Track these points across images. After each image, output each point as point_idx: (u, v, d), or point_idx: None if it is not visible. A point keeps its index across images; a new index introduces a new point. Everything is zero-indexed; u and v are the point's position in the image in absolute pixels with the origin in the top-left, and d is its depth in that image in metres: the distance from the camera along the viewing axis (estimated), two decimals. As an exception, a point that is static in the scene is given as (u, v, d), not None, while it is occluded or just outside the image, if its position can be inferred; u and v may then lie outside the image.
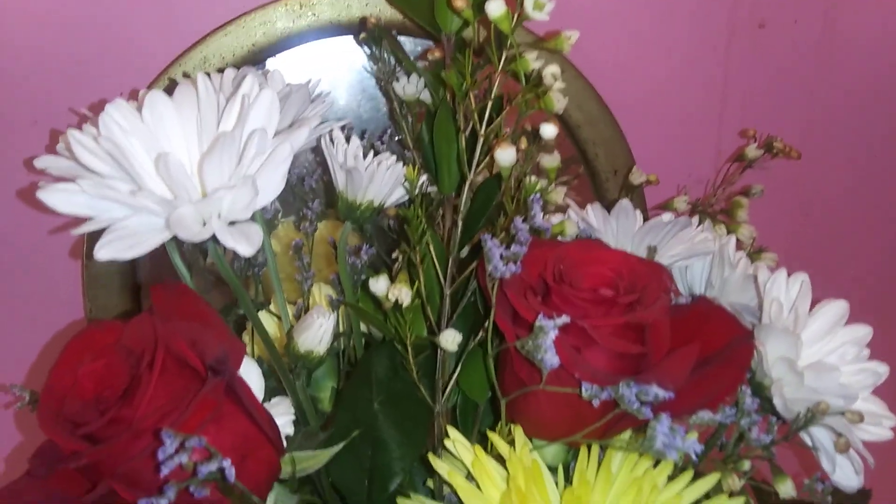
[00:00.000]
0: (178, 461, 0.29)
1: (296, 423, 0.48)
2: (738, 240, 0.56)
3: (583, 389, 0.36)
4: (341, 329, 0.52)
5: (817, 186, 0.76)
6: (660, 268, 0.43)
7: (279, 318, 0.50)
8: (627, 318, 0.39)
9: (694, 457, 0.37)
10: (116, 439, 0.33)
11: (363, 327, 0.53)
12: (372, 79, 0.66)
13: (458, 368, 0.47)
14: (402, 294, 0.39)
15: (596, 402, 0.37)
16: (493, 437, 0.43)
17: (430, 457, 0.44)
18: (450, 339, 0.40)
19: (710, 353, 0.42)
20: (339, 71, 0.65)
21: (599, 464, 0.42)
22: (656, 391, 0.36)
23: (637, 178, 0.62)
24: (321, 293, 0.55)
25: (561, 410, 0.41)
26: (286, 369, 0.46)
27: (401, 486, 0.46)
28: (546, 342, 0.35)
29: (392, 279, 0.42)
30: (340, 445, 0.44)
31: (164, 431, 0.29)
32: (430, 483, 0.49)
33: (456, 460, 0.46)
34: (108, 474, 0.33)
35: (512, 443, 0.43)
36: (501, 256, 0.37)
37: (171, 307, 0.37)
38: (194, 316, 0.37)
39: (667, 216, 0.53)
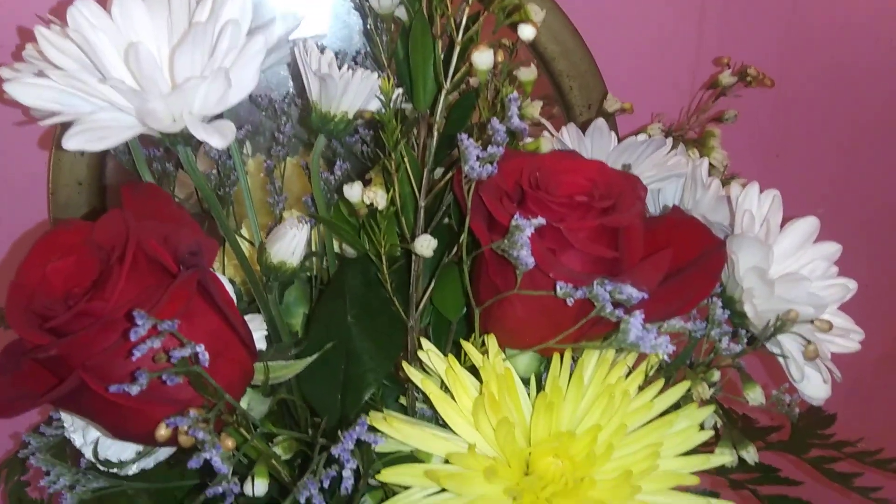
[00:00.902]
0: (150, 345, 0.29)
1: (268, 339, 0.48)
2: (710, 165, 0.57)
3: (557, 288, 0.36)
4: (314, 248, 0.52)
5: (790, 120, 0.76)
6: (634, 178, 0.43)
7: (252, 244, 0.50)
8: (602, 222, 0.39)
9: (665, 357, 0.37)
10: (85, 330, 0.32)
11: (336, 248, 0.53)
12: (344, 5, 0.65)
13: (432, 284, 0.47)
14: (378, 197, 0.39)
15: (570, 301, 0.37)
16: (467, 345, 0.43)
17: (404, 364, 0.44)
18: (425, 245, 0.40)
19: (682, 262, 0.42)
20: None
21: (571, 373, 0.42)
22: (630, 290, 0.36)
23: (611, 105, 0.62)
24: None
25: (535, 317, 0.41)
26: (259, 282, 0.46)
27: (373, 398, 0.46)
28: (522, 239, 0.35)
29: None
30: (315, 356, 0.43)
31: (136, 312, 0.28)
32: (402, 401, 0.49)
33: (430, 374, 0.46)
34: (78, 367, 0.33)
35: (485, 353, 0.43)
36: (478, 158, 0.37)
37: (142, 207, 0.36)
38: (166, 216, 0.36)
39: (641, 136, 0.53)
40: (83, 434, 0.46)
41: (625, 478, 0.40)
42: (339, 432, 0.31)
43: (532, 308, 0.40)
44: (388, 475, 0.40)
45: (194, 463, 0.30)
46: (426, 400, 0.48)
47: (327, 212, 0.49)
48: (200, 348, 0.29)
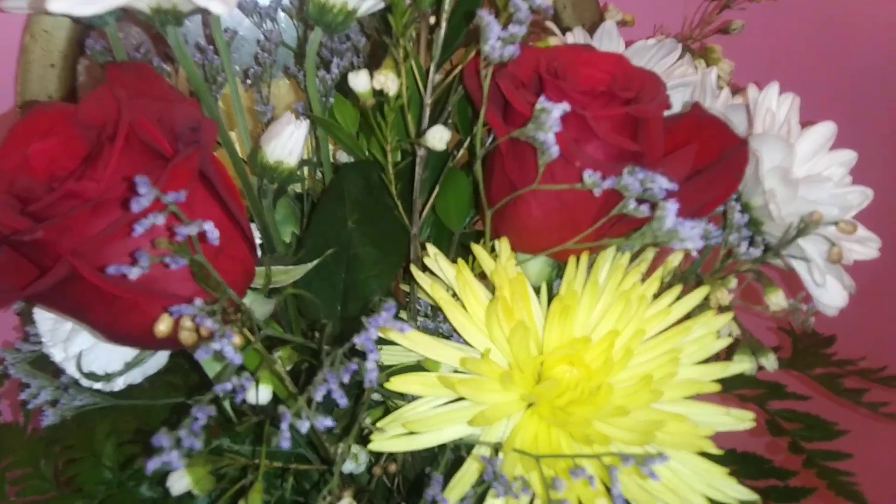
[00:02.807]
0: (152, 221, 0.26)
1: (261, 249, 0.45)
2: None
3: (585, 177, 0.34)
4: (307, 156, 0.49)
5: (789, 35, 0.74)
6: (653, 73, 0.41)
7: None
8: (627, 111, 0.37)
9: (695, 252, 0.35)
10: (74, 213, 0.29)
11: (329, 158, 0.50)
12: None
13: (435, 191, 0.44)
14: (389, 81, 0.36)
15: (598, 191, 0.34)
16: (477, 249, 0.40)
17: (412, 267, 0.41)
18: (437, 136, 0.37)
19: (703, 161, 0.40)
20: None
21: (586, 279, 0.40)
22: (661, 181, 0.34)
23: (613, 16, 0.60)
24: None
25: (552, 216, 0.39)
26: (251, 186, 0.43)
27: (373, 307, 0.44)
28: (550, 120, 0.32)
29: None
30: (316, 261, 0.41)
31: (139, 179, 0.25)
32: (402, 314, 0.46)
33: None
34: (67, 254, 0.30)
35: (495, 259, 0.41)
36: (499, 38, 0.34)
37: (130, 88, 0.33)
38: (159, 96, 0.33)
39: (651, 41, 0.50)
40: (64, 348, 0.43)
41: (644, 383, 0.38)
42: (363, 319, 0.28)
43: (549, 206, 0.38)
44: (397, 384, 0.38)
45: (203, 353, 0.27)
46: (428, 314, 0.46)
47: (322, 113, 0.46)
48: (209, 226, 0.26)
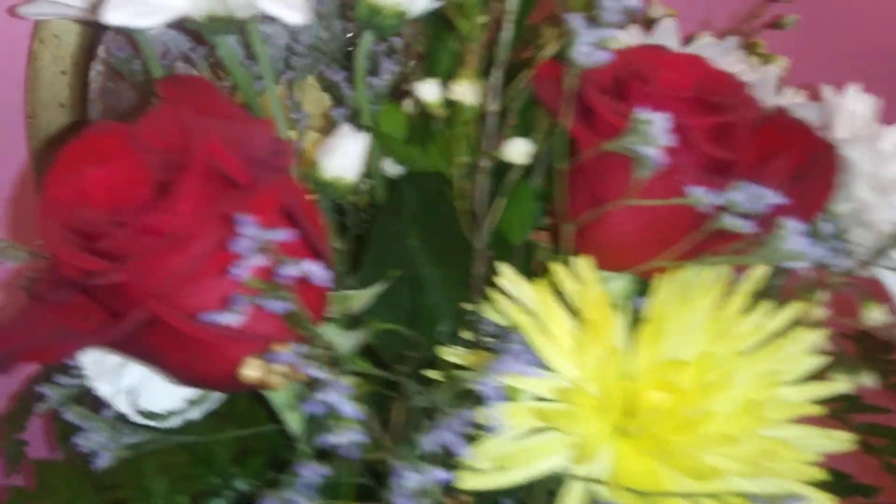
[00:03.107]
0: (252, 261, 0.23)
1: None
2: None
3: (690, 192, 0.32)
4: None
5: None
6: (734, 75, 0.38)
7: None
8: (720, 118, 0.34)
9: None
10: (153, 250, 0.26)
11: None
12: None
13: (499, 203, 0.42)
14: (467, 91, 0.33)
15: (705, 208, 0.32)
16: (557, 268, 0.38)
17: (495, 292, 0.38)
18: (518, 150, 0.34)
19: (791, 169, 0.38)
20: None
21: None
22: (768, 195, 0.31)
23: (656, 11, 0.57)
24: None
25: (643, 232, 0.36)
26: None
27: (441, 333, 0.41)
28: (654, 131, 0.30)
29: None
30: (384, 285, 0.38)
31: (240, 217, 0.22)
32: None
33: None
34: (145, 296, 0.27)
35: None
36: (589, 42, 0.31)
37: (189, 106, 0.30)
38: (222, 115, 0.30)
39: (708, 38, 0.48)
40: (112, 381, 0.40)
41: (749, 407, 0.35)
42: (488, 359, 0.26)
43: (641, 221, 0.35)
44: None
45: (312, 407, 0.24)
46: (496, 334, 0.43)
47: (371, 121, 0.43)
48: (316, 267, 0.23)
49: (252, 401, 0.48)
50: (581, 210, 0.37)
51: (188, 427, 0.39)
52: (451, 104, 0.35)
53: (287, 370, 0.28)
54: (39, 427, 0.52)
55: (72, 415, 0.36)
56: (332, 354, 0.29)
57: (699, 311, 0.38)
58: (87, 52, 0.58)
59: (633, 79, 0.35)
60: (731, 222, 0.33)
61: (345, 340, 0.32)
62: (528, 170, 0.43)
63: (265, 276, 0.27)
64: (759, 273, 0.40)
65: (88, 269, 0.27)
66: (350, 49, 0.57)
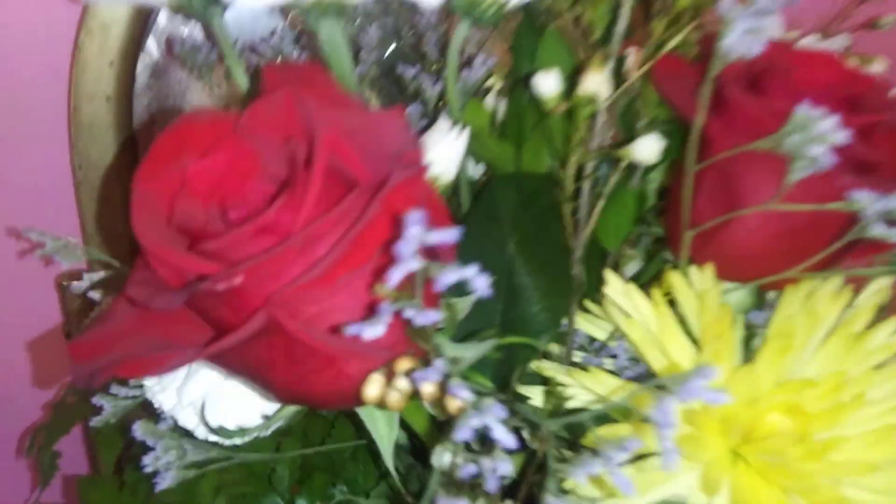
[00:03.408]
0: (412, 265, 0.20)
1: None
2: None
3: (855, 198, 0.28)
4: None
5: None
6: (872, 76, 0.35)
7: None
8: (868, 118, 0.31)
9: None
10: (274, 253, 0.23)
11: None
12: None
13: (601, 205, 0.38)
14: (603, 84, 0.30)
15: (869, 214, 0.29)
16: (676, 279, 0.34)
17: (608, 302, 0.35)
18: (648, 149, 0.31)
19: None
20: None
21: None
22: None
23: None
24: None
25: (776, 241, 0.33)
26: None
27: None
28: (823, 129, 0.26)
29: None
30: (476, 295, 0.35)
31: (411, 213, 0.19)
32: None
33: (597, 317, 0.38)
34: (256, 304, 0.23)
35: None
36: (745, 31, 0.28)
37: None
38: (336, 105, 0.27)
39: (813, 37, 0.45)
40: (177, 393, 0.36)
41: (887, 432, 0.32)
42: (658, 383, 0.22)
43: (776, 228, 0.32)
44: (607, 435, 0.32)
45: (465, 434, 0.21)
46: (587, 347, 0.40)
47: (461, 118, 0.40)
48: (473, 270, 0.20)
49: (311, 416, 0.45)
50: (706, 215, 0.33)
51: (250, 444, 0.36)
52: (567, 97, 0.32)
53: (407, 389, 0.25)
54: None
55: (140, 431, 0.33)
56: (459, 370, 0.26)
57: (826, 325, 0.35)
58: (135, 44, 0.55)
59: (770, 73, 0.32)
60: (881, 230, 0.30)
61: (462, 354, 0.29)
62: (627, 172, 0.40)
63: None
64: (884, 285, 0.37)
65: (198, 272, 0.23)
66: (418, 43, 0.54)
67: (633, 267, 0.45)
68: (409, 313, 0.21)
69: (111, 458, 0.43)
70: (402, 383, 0.24)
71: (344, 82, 0.33)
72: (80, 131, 0.55)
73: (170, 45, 0.49)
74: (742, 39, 0.28)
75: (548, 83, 0.31)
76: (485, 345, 0.28)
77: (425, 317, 0.21)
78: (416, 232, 0.19)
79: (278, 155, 0.25)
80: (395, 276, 0.19)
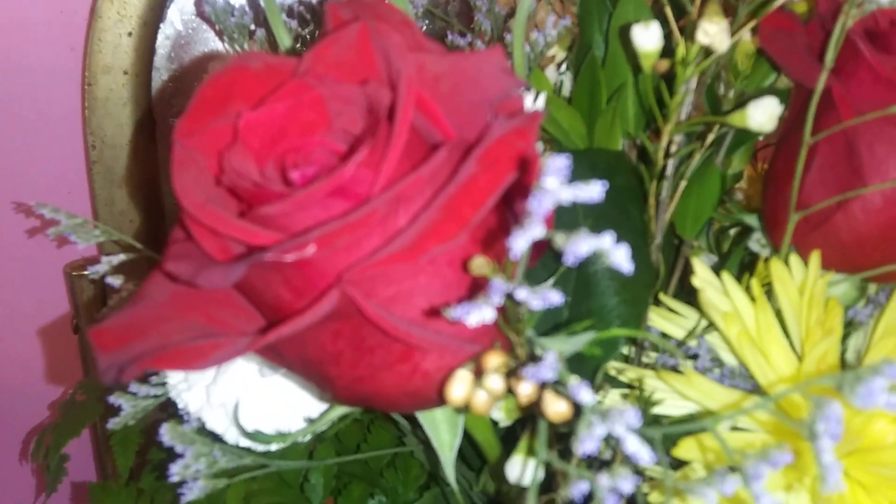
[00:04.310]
0: (536, 232, 0.15)
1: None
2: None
3: None
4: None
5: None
6: None
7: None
8: None
9: None
10: (351, 221, 0.18)
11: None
12: None
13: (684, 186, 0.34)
14: (722, 34, 0.25)
15: None
16: (776, 266, 0.30)
17: (663, 297, 0.31)
18: (768, 112, 0.27)
19: None
20: None
21: None
22: None
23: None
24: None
25: (893, 228, 0.28)
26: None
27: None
28: None
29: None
30: (551, 280, 0.30)
31: (550, 160, 0.15)
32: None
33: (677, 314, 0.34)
34: (326, 281, 0.19)
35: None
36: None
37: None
38: (416, 47, 0.22)
39: None
40: (206, 392, 0.32)
41: None
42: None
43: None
44: (687, 451, 0.28)
45: (592, 446, 0.16)
46: (663, 347, 0.35)
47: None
48: (610, 240, 0.16)
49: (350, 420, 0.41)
50: (814, 197, 0.29)
51: (280, 450, 0.31)
52: (670, 53, 0.27)
53: (500, 388, 0.21)
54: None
55: (169, 435, 0.29)
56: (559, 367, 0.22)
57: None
58: (157, 13, 0.51)
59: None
60: None
61: (563, 347, 0.24)
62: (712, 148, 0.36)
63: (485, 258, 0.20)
64: None
65: (253, 242, 0.19)
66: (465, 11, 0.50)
67: (703, 260, 0.41)
68: (523, 294, 0.17)
69: (127, 463, 0.39)
70: (495, 382, 0.20)
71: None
72: (94, 107, 0.50)
73: (199, 4, 0.44)
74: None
75: (648, 36, 0.27)
76: (581, 338, 0.24)
77: (544, 299, 0.17)
78: (555, 185, 0.14)
79: (352, 104, 0.21)
80: (520, 242, 0.15)
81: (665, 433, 0.23)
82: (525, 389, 0.19)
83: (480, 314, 0.16)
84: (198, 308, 0.22)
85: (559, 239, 0.16)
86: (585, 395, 0.17)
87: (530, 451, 0.26)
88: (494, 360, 0.21)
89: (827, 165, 0.28)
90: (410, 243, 0.19)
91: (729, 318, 0.30)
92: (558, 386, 0.21)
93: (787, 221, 0.30)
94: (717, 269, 0.38)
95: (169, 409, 0.36)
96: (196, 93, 0.22)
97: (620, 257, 0.16)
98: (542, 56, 0.36)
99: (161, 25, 0.51)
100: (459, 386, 0.20)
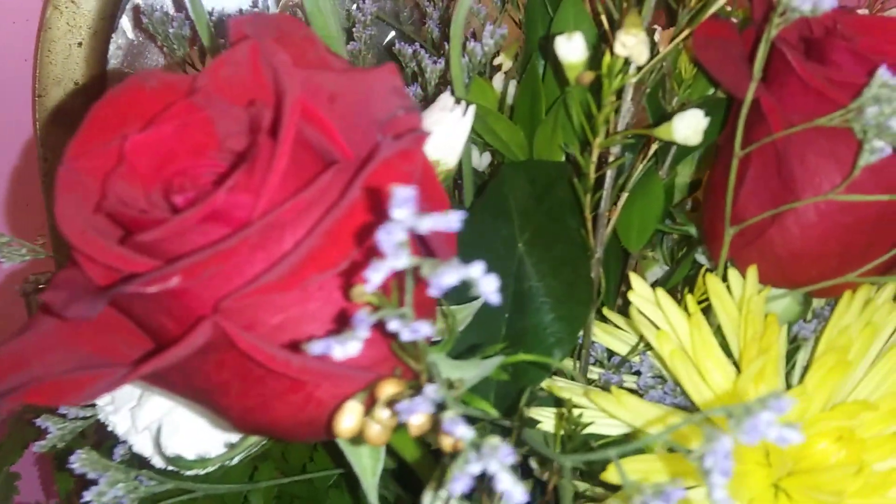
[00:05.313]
0: (398, 261, 0.15)
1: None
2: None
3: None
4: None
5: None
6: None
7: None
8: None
9: None
10: (227, 245, 0.18)
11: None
12: None
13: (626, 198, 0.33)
14: (640, 45, 0.25)
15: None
16: (712, 282, 0.29)
17: (607, 312, 0.30)
18: (692, 126, 0.26)
19: None
20: None
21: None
22: None
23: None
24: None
25: (834, 239, 0.28)
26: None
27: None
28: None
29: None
30: (482, 299, 0.29)
31: (398, 192, 0.14)
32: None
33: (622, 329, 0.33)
34: (201, 311, 0.18)
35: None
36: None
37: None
38: (317, 63, 0.22)
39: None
40: (131, 416, 0.31)
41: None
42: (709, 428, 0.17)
43: (833, 225, 0.27)
44: (628, 469, 0.27)
45: (462, 485, 0.16)
46: (604, 363, 0.35)
47: (466, 94, 0.35)
48: (480, 269, 0.15)
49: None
50: (751, 209, 0.28)
51: (221, 471, 0.31)
52: (597, 65, 0.26)
53: (392, 420, 0.20)
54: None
55: (80, 462, 0.28)
56: (457, 396, 0.21)
57: (883, 338, 0.30)
58: (107, 22, 0.50)
59: (833, 40, 0.27)
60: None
61: (460, 374, 0.24)
62: (654, 162, 0.35)
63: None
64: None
65: (128, 269, 0.18)
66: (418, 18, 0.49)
67: (655, 272, 0.40)
68: (394, 325, 0.16)
69: (67, 485, 0.38)
70: (385, 414, 0.19)
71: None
72: (46, 119, 0.50)
73: (138, 15, 0.44)
74: (808, -4, 0.23)
75: (572, 47, 0.26)
76: (489, 363, 0.23)
77: (415, 330, 0.16)
78: (405, 216, 0.14)
79: (240, 124, 0.20)
80: (376, 275, 0.14)
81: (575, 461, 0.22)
82: (416, 422, 0.18)
83: (344, 349, 0.16)
84: (87, 335, 0.21)
85: (426, 269, 0.15)
86: (461, 430, 0.16)
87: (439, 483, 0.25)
88: (389, 388, 0.20)
89: (760, 178, 0.28)
90: (289, 271, 0.18)
91: (661, 336, 0.29)
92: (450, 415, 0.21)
93: (724, 235, 0.29)
94: (665, 281, 0.37)
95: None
96: (89, 112, 0.21)
97: (488, 288, 0.15)
98: (483, 65, 0.35)
99: (113, 35, 0.50)
100: (347, 418, 0.19)
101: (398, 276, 0.16)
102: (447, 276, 0.15)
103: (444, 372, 0.25)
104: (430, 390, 0.17)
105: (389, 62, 0.20)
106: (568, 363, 0.34)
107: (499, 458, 0.16)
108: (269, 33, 0.22)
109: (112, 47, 0.51)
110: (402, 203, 0.13)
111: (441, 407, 0.21)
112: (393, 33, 0.50)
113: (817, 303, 0.33)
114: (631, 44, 0.24)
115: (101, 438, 0.37)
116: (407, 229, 0.14)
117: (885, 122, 0.22)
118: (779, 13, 0.24)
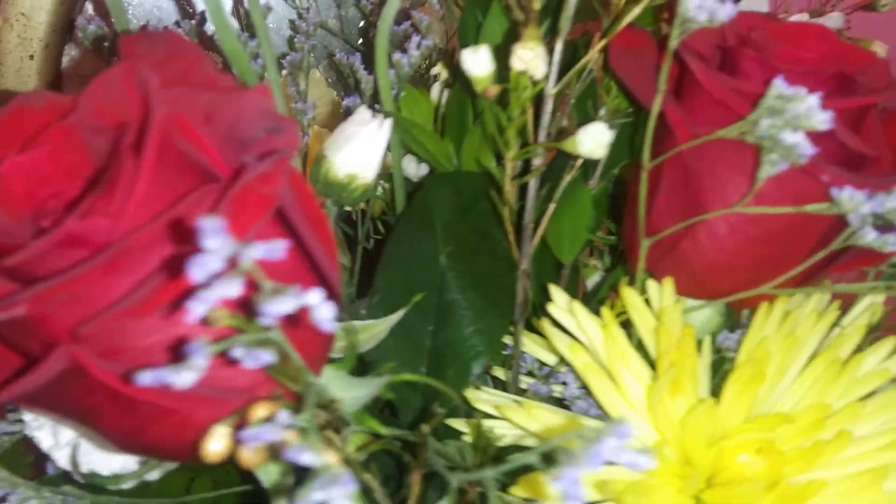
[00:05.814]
0: (222, 290, 0.15)
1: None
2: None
3: (839, 197, 0.23)
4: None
5: None
6: (872, 53, 0.30)
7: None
8: (862, 101, 0.26)
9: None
10: (78, 271, 0.18)
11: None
12: None
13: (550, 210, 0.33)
14: (537, 60, 0.24)
15: (856, 220, 0.23)
16: (630, 295, 0.29)
17: (545, 323, 0.30)
18: (596, 140, 0.26)
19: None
20: None
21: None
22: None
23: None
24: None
25: (748, 250, 0.27)
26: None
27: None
28: (805, 110, 0.21)
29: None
30: (400, 312, 0.29)
31: (206, 221, 0.14)
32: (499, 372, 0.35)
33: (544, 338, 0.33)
34: (65, 338, 0.18)
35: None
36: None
37: (159, 71, 0.21)
38: (201, 84, 0.22)
39: (805, 15, 0.40)
40: (54, 432, 0.31)
41: (873, 476, 0.27)
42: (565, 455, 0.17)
43: (746, 236, 0.27)
44: (531, 489, 0.27)
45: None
46: (536, 373, 0.34)
47: (395, 107, 0.35)
48: (321, 298, 0.15)
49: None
50: (665, 221, 0.28)
51: (142, 488, 0.30)
52: (503, 79, 0.26)
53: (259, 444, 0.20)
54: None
55: (-8, 481, 0.28)
56: (335, 416, 0.21)
57: (806, 350, 0.30)
58: (59, 34, 0.50)
59: (746, 49, 0.27)
60: (872, 238, 0.25)
61: (352, 393, 0.23)
62: (584, 170, 0.35)
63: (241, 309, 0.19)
64: (875, 302, 0.32)
65: (-5, 294, 0.18)
66: (365, 28, 0.49)
67: (595, 280, 0.40)
68: (238, 353, 0.16)
69: None
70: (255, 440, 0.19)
71: (238, 71, 0.28)
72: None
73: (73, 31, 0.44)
74: (703, 3, 0.23)
75: (477, 60, 0.26)
76: (376, 382, 0.23)
77: (256, 358, 0.16)
78: (216, 245, 0.13)
79: (112, 146, 0.20)
80: (196, 308, 0.14)
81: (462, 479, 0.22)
82: (245, 455, 0.18)
83: (179, 378, 0.15)
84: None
85: (260, 297, 0.15)
86: (306, 458, 0.16)
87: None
88: (260, 411, 0.20)
89: (672, 190, 0.27)
90: (147, 296, 0.18)
91: (574, 349, 0.29)
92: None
93: (640, 246, 0.29)
94: (595, 291, 0.37)
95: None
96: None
97: (324, 315, 0.15)
98: (412, 76, 0.35)
99: (66, 48, 0.50)
100: (216, 442, 0.19)
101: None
102: (282, 304, 0.15)
103: (336, 391, 0.25)
104: (282, 417, 0.17)
105: (262, 84, 0.20)
106: (501, 373, 0.34)
107: (340, 487, 0.16)
108: (157, 49, 0.22)
109: (65, 60, 0.51)
110: (209, 233, 0.13)
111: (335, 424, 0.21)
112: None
113: (745, 313, 0.32)
114: (528, 58, 0.24)
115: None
116: (223, 259, 0.14)
117: (777, 134, 0.22)
118: (678, 23, 0.24)
